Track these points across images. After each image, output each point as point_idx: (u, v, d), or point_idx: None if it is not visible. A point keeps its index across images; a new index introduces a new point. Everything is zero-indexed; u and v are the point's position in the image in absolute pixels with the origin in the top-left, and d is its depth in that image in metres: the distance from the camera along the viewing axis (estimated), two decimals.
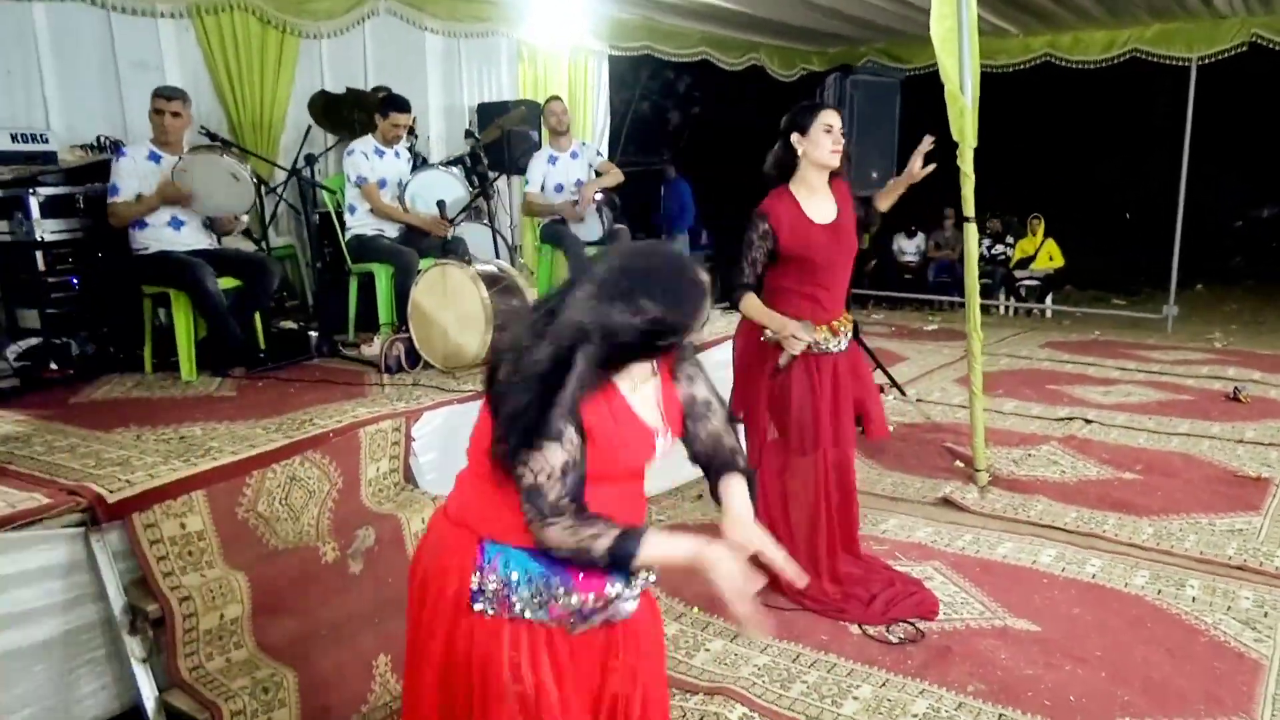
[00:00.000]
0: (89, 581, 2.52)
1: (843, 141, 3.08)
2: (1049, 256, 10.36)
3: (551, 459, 1.43)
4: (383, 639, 2.79)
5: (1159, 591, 3.40)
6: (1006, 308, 10.39)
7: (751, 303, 3.14)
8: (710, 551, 1.47)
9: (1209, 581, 3.48)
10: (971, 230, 4.53)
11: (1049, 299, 10.29)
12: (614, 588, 1.57)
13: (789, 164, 3.14)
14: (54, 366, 4.10)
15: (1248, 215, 14.42)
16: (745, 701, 2.69)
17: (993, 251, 10.65)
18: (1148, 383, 6.68)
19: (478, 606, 1.53)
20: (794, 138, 3.10)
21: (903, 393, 6.33)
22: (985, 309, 10.30)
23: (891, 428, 5.55)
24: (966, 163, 4.34)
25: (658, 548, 1.47)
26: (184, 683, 2.48)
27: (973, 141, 4.32)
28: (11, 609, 2.40)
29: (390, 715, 2.71)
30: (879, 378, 6.39)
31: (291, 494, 2.90)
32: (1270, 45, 7.87)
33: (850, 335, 3.36)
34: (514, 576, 1.52)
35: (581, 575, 1.53)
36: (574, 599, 1.53)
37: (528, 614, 1.52)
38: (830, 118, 3.07)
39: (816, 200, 3.16)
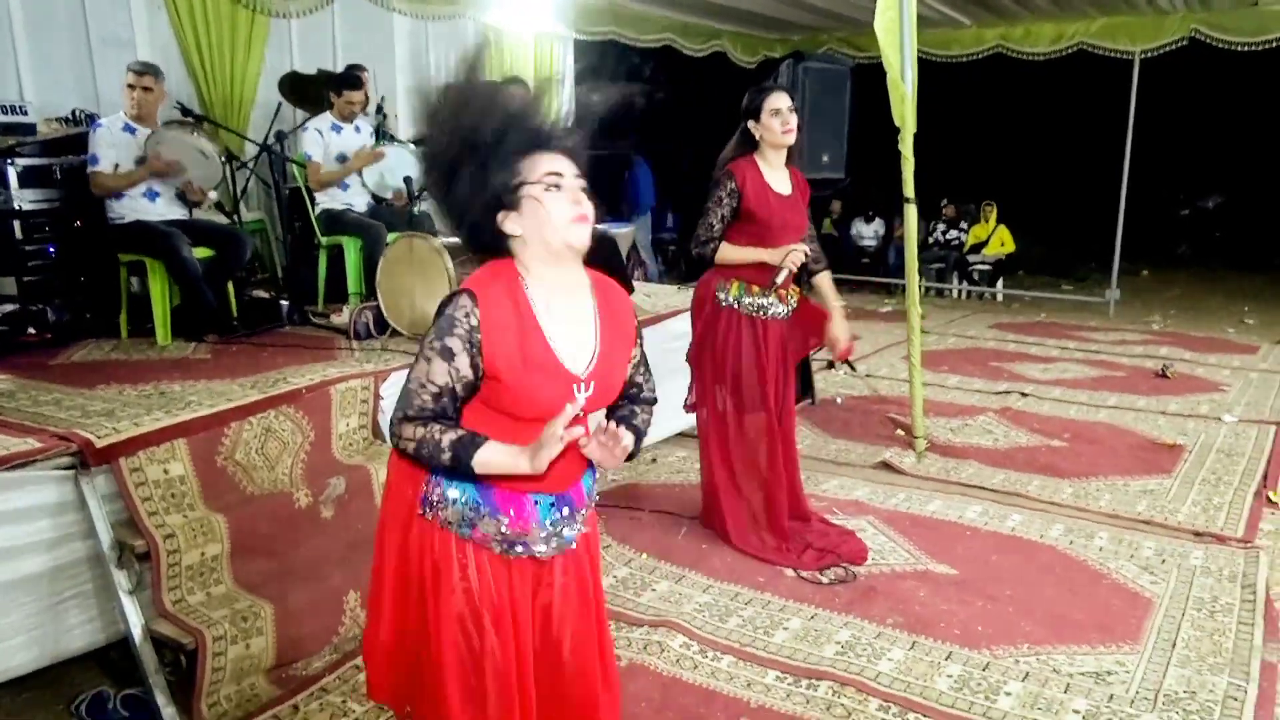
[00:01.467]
0: (78, 520, 2.71)
1: (793, 120, 3.31)
2: (1001, 242, 10.71)
3: (434, 374, 1.61)
4: (352, 577, 3.02)
5: (1070, 542, 3.71)
6: (959, 291, 10.74)
7: (729, 250, 3.38)
8: (538, 456, 1.56)
9: (1117, 534, 3.79)
10: (911, 211, 4.82)
11: (1000, 283, 10.65)
12: (536, 526, 1.72)
13: (748, 147, 3.39)
14: (32, 331, 4.24)
15: (1194, 204, 14.92)
16: (685, 632, 2.95)
17: (947, 237, 10.99)
18: (1085, 361, 7.04)
19: (424, 513, 1.73)
20: (750, 123, 3.35)
21: (852, 368, 6.62)
22: (939, 292, 10.70)
23: (840, 400, 5.87)
24: (907, 147, 4.62)
25: (497, 452, 1.60)
26: (168, 614, 2.69)
27: (912, 127, 4.59)
28: (5, 544, 2.59)
29: (359, 646, 2.93)
30: (827, 354, 6.69)
31: (267, 444, 3.10)
32: (1209, 40, 8.24)
33: (794, 305, 3.62)
34: (450, 494, 1.70)
35: (505, 503, 1.70)
36: (493, 524, 1.70)
37: (457, 529, 1.71)
38: (777, 101, 3.32)
39: (775, 174, 3.42)
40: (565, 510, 1.77)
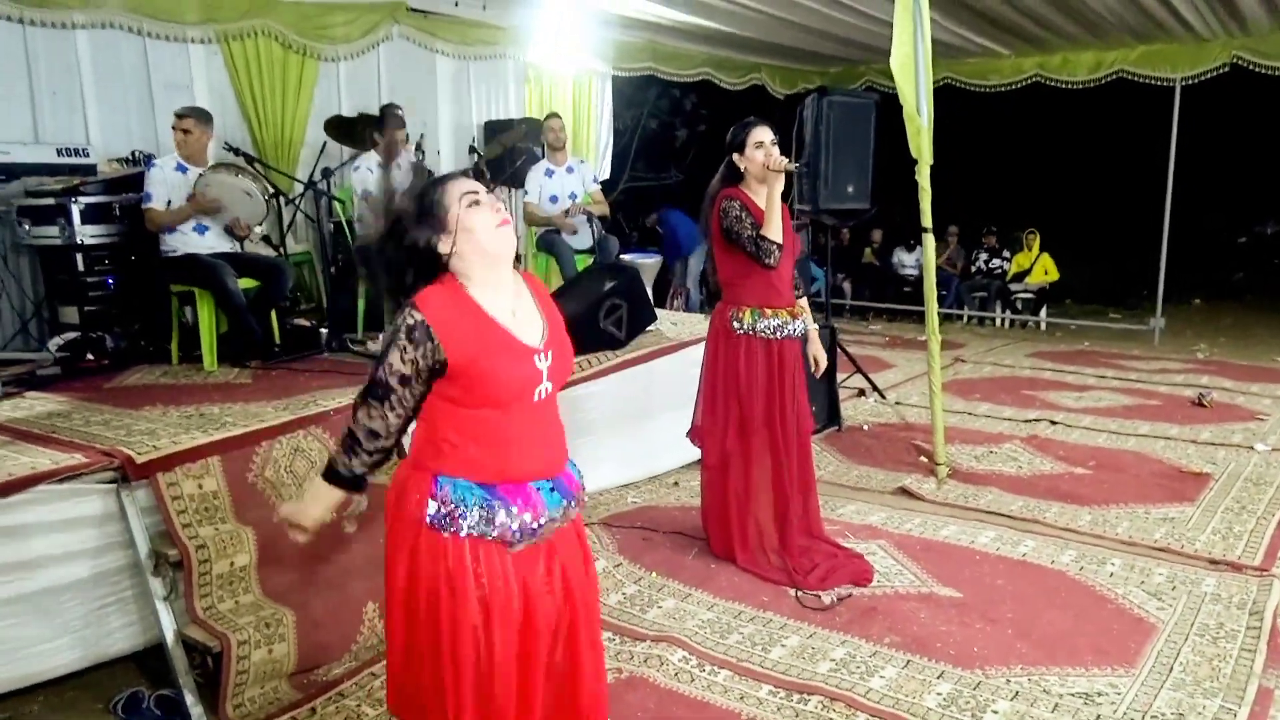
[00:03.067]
0: (119, 531, 2.93)
1: (775, 153, 3.44)
2: (1044, 270, 10.64)
3: (378, 374, 1.83)
4: (371, 589, 3.18)
5: (1081, 568, 3.72)
6: (1002, 320, 10.68)
7: (770, 221, 3.45)
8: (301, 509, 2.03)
9: (1130, 560, 3.80)
10: (929, 241, 4.89)
11: (1044, 311, 10.57)
12: (548, 511, 1.89)
13: (734, 178, 3.54)
14: (90, 357, 4.54)
15: (1251, 231, 14.61)
16: (685, 647, 3.06)
17: (989, 265, 10.95)
18: (1121, 389, 6.98)
19: (433, 526, 1.85)
20: (734, 156, 3.50)
21: (881, 395, 6.67)
22: (980, 321, 10.65)
23: (866, 427, 5.93)
24: (924, 178, 4.71)
25: (319, 489, 2.00)
26: (199, 619, 2.88)
27: (929, 159, 4.69)
28: (53, 550, 2.82)
29: (377, 655, 3.09)
30: (859, 382, 6.76)
31: (295, 463, 3.30)
32: (1252, 67, 8.17)
33: (808, 321, 3.73)
34: (462, 501, 1.84)
35: (512, 495, 1.85)
36: (509, 515, 1.84)
37: (477, 531, 1.84)
38: (760, 134, 3.46)
39: (762, 203, 3.54)
40: (564, 494, 1.93)
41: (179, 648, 2.88)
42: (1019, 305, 10.67)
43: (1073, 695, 2.77)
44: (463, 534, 1.84)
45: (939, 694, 2.78)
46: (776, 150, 3.46)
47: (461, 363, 1.80)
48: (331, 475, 1.94)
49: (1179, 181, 8.96)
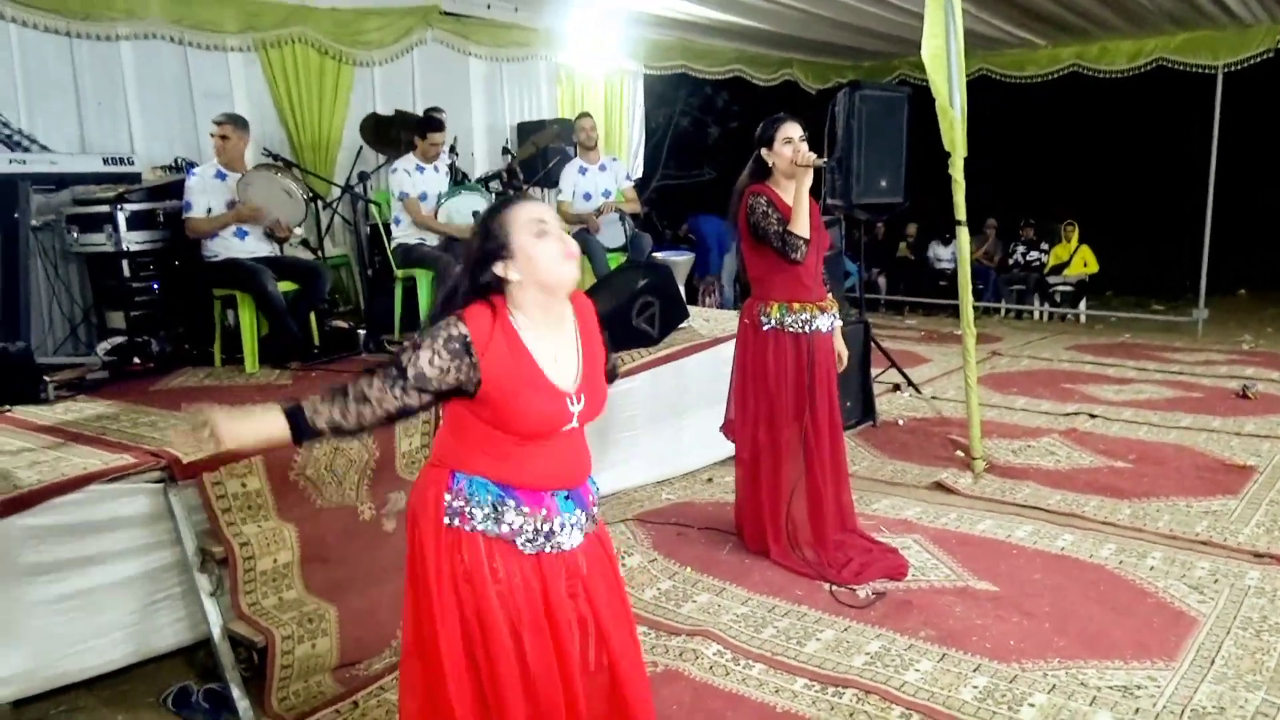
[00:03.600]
0: (167, 529, 3.02)
1: (804, 149, 3.44)
2: (1083, 262, 10.48)
3: (403, 360, 1.79)
4: None
5: (1120, 562, 3.69)
6: (1041, 313, 10.55)
7: (797, 216, 3.45)
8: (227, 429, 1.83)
9: (1171, 554, 3.75)
10: (963, 234, 4.86)
11: (1083, 304, 10.43)
12: (559, 516, 1.90)
13: (762, 174, 3.55)
14: (137, 361, 4.66)
15: None
16: (720, 641, 3.08)
17: (1027, 258, 10.82)
18: (1163, 382, 6.87)
19: (449, 522, 1.89)
20: (763, 151, 3.51)
21: (917, 390, 6.63)
22: (1019, 314, 10.52)
23: (902, 422, 5.90)
24: (957, 170, 4.70)
25: (270, 412, 1.85)
26: (244, 615, 2.97)
27: (963, 151, 4.67)
28: (105, 549, 2.92)
29: None
30: (894, 376, 6.72)
31: (335, 462, 3.37)
32: None
33: (836, 315, 3.73)
34: (475, 496, 1.87)
35: (527, 499, 1.87)
36: (519, 516, 1.86)
37: (485, 527, 1.86)
38: (790, 130, 3.46)
39: (789, 199, 3.54)
40: (579, 503, 1.95)
41: (225, 643, 2.96)
42: (1058, 298, 10.53)
43: (1111, 688, 2.75)
44: (473, 529, 1.86)
45: (975, 687, 2.78)
46: (805, 146, 3.47)
47: (493, 390, 1.80)
48: (292, 410, 1.83)
49: (1222, 171, 8.79)
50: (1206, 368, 7.30)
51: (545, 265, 1.83)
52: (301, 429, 1.82)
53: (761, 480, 3.70)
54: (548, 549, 1.91)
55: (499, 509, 1.87)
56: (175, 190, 4.79)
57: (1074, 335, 9.36)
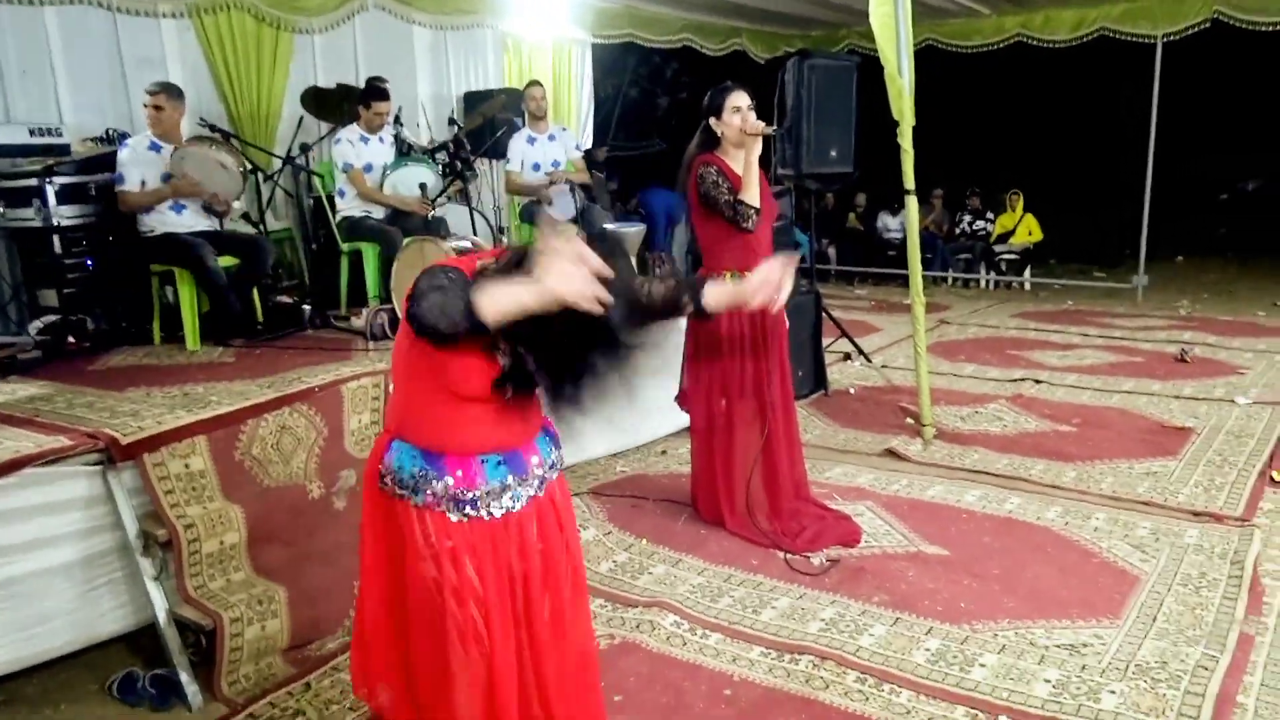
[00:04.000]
0: (107, 513, 2.93)
1: (751, 118, 3.42)
2: (1028, 231, 10.65)
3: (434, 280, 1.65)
4: None
5: (1066, 523, 3.77)
6: (987, 281, 10.70)
7: (747, 184, 3.43)
8: (543, 281, 1.52)
9: (1114, 514, 3.85)
10: (912, 203, 4.89)
11: (1028, 272, 10.60)
12: (483, 483, 1.85)
13: (711, 143, 3.52)
14: (71, 340, 4.50)
15: (1234, 188, 14.64)
16: (676, 611, 3.09)
17: (973, 227, 10.96)
18: (1105, 347, 7.02)
19: (383, 483, 1.90)
20: (711, 120, 3.48)
21: (867, 359, 6.69)
22: (965, 283, 10.67)
23: (853, 390, 5.95)
24: (906, 140, 4.70)
25: (502, 292, 1.55)
26: (190, 598, 2.89)
27: (911, 120, 4.67)
28: (41, 534, 2.81)
29: None
30: (845, 346, 6.78)
31: (282, 440, 3.30)
32: (1233, 22, 8.15)
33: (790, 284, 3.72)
34: (400, 465, 1.86)
35: (452, 465, 1.83)
36: (440, 484, 1.83)
37: (409, 496, 1.85)
38: (738, 99, 3.44)
39: (738, 168, 3.52)
40: (513, 468, 1.89)
41: (171, 627, 2.89)
42: (1003, 266, 10.69)
43: (1059, 647, 2.81)
44: (397, 495, 1.87)
45: (928, 649, 2.82)
46: (753, 115, 3.45)
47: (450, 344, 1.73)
48: (473, 297, 1.57)
49: (1161, 139, 8.96)
50: (1146, 333, 7.48)
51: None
52: None
53: (715, 450, 3.71)
54: (474, 515, 1.87)
55: (418, 479, 1.85)
56: (108, 162, 4.62)
57: (1020, 303, 9.52)
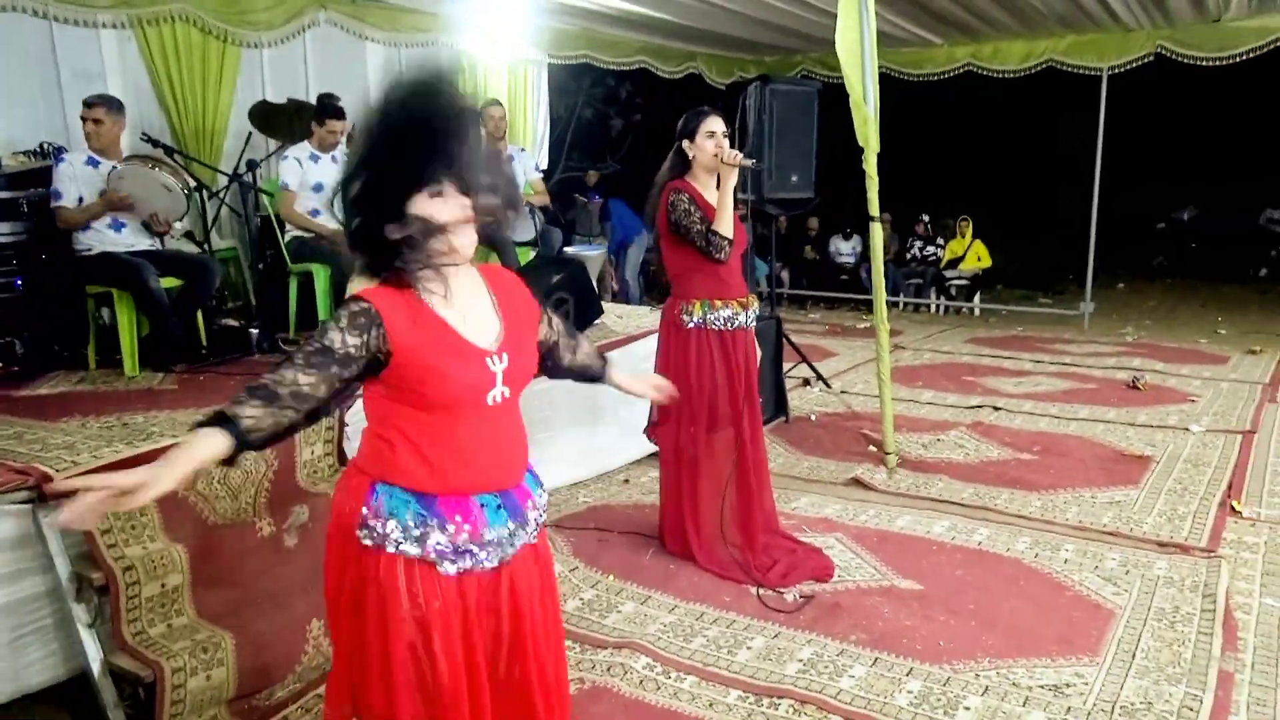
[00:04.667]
0: (36, 555, 2.70)
1: (726, 145, 3.35)
2: (977, 257, 10.81)
3: (314, 339, 1.64)
4: (316, 605, 3.00)
5: (1036, 555, 3.73)
6: (937, 306, 10.82)
7: (721, 215, 3.35)
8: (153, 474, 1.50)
9: (1082, 545, 3.82)
10: (876, 229, 4.86)
11: (977, 298, 10.74)
12: (486, 530, 1.74)
13: (683, 168, 3.44)
14: None
15: (1169, 217, 15.09)
16: (649, 653, 2.96)
17: (924, 253, 11.08)
18: (1057, 374, 7.10)
19: (363, 539, 1.72)
20: (684, 144, 3.40)
21: (827, 385, 6.66)
22: (916, 308, 10.77)
23: (814, 417, 5.90)
24: (871, 166, 4.67)
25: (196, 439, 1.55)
26: (128, 646, 2.67)
27: (875, 146, 4.65)
28: None
29: (322, 675, 2.92)
30: (803, 371, 6.74)
31: (229, 474, 3.09)
32: (1175, 56, 8.37)
33: (756, 312, 3.66)
34: (395, 511, 1.70)
35: (450, 510, 1.71)
36: (443, 535, 1.70)
37: (404, 547, 1.70)
38: (713, 124, 3.36)
39: (710, 196, 3.45)
40: (512, 512, 1.78)
41: (106, 678, 2.67)
42: (953, 292, 10.82)
43: (1042, 687, 2.75)
44: (391, 549, 1.71)
45: (910, 692, 2.73)
46: (728, 143, 3.37)
47: (406, 357, 1.65)
48: (224, 420, 1.56)
49: (1104, 169, 9.16)
50: (1095, 359, 7.59)
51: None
52: (242, 441, 1.57)
53: (684, 483, 3.60)
54: (471, 567, 1.74)
55: (420, 528, 1.70)
56: (40, 177, 4.40)
57: (970, 328, 9.62)
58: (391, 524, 1.70)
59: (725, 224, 3.33)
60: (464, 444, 1.72)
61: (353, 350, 1.63)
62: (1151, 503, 4.29)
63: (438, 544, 1.70)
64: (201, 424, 1.58)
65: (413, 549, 1.70)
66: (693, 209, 3.36)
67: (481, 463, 1.74)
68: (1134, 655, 2.93)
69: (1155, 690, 2.72)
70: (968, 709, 2.64)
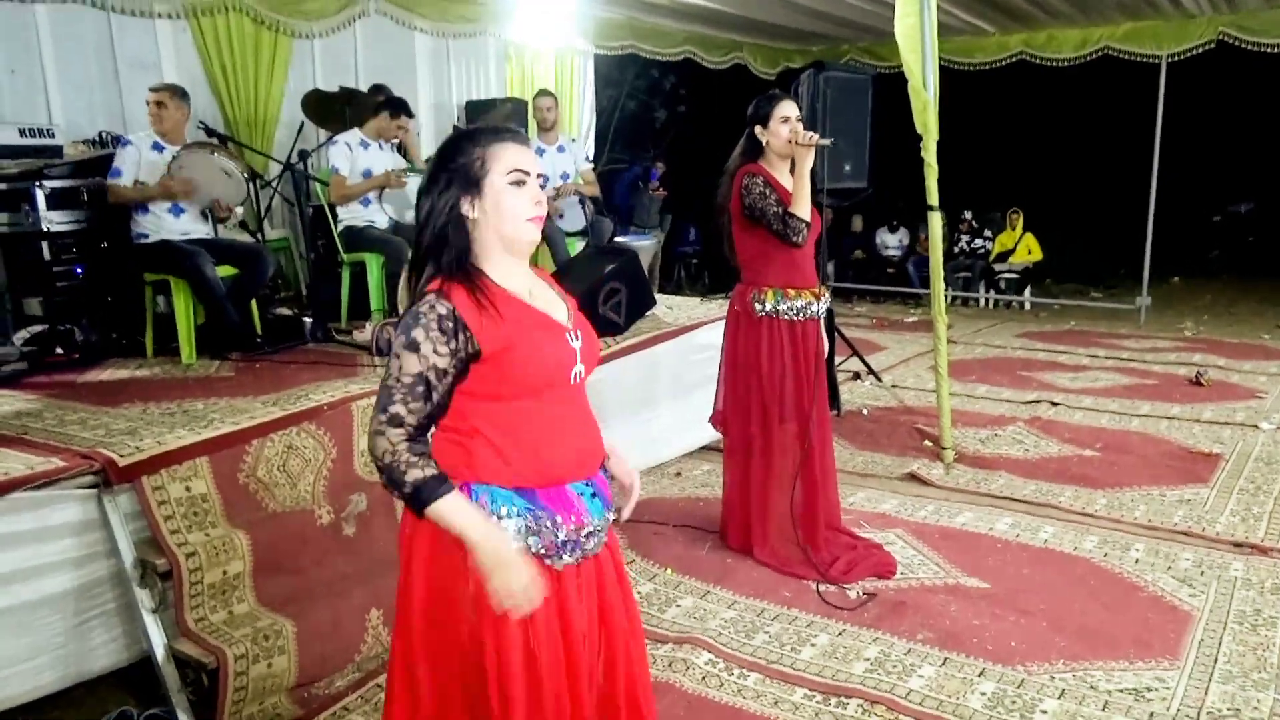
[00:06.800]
0: (101, 539, 2.71)
1: (800, 129, 3.27)
2: (1028, 250, 10.59)
3: (406, 368, 1.58)
4: (374, 595, 3.00)
5: (1105, 554, 3.62)
6: (986, 300, 10.62)
7: (799, 197, 3.29)
8: (494, 546, 1.57)
9: (1153, 545, 3.70)
10: (936, 219, 4.75)
11: (1027, 291, 10.53)
12: (592, 520, 1.70)
13: (755, 153, 3.37)
14: (59, 351, 4.28)
15: (1226, 210, 14.68)
16: (710, 649, 2.91)
17: (972, 245, 10.88)
18: (1115, 369, 6.92)
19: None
20: (757, 129, 3.33)
21: (878, 379, 6.55)
22: (965, 301, 10.58)
23: (866, 412, 5.80)
24: (930, 154, 4.57)
25: (455, 509, 1.58)
26: (190, 632, 2.68)
27: (935, 134, 4.54)
28: (30, 563, 2.59)
29: (381, 665, 2.91)
30: (855, 365, 6.64)
31: (289, 462, 3.09)
32: (1238, 43, 8.12)
33: (828, 302, 3.58)
34: (503, 511, 1.64)
35: (552, 502, 1.66)
36: (552, 528, 1.65)
37: (529, 541, 1.65)
38: (787, 109, 3.29)
39: (784, 180, 3.38)
40: (604, 500, 1.75)
41: (170, 664, 2.67)
42: (1002, 285, 10.61)
43: (1121, 691, 2.65)
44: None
45: (983, 694, 2.65)
46: (801, 126, 3.29)
47: (495, 349, 1.61)
48: (433, 494, 1.57)
49: (1163, 160, 8.91)
50: (1155, 355, 7.38)
51: (511, 220, 1.66)
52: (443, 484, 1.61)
53: (751, 476, 3.53)
54: (580, 559, 1.71)
55: (532, 521, 1.65)
56: (101, 166, 4.42)
57: (1021, 322, 9.43)
58: (508, 524, 1.64)
59: (802, 206, 3.26)
60: (553, 429, 1.68)
61: (448, 361, 1.59)
62: (1224, 502, 4.14)
63: (550, 536, 1.66)
64: (434, 498, 1.58)
65: (529, 542, 1.66)
66: (768, 191, 3.29)
67: (572, 447, 1.70)
68: (1215, 659, 2.82)
69: (1242, 696, 2.61)
70: (1045, 712, 2.56)
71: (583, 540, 1.70)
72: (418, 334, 1.58)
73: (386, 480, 1.60)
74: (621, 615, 1.82)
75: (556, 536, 1.66)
